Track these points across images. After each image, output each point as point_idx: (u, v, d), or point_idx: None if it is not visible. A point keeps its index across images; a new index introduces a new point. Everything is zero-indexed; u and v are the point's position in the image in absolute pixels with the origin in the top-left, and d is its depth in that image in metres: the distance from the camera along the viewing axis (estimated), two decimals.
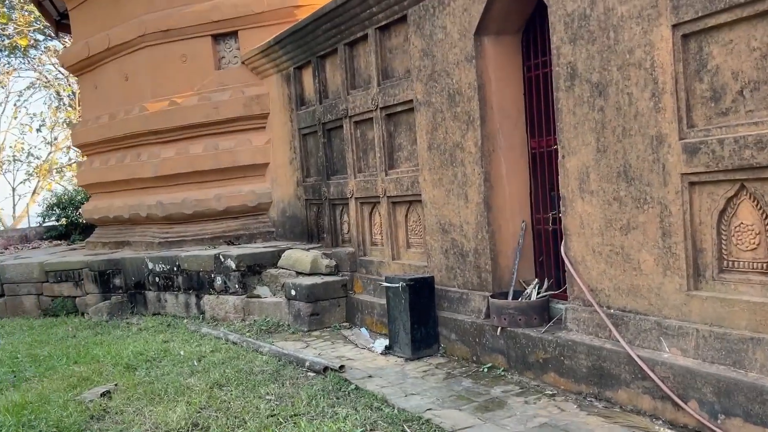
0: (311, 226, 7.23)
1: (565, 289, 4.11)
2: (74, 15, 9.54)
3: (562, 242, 4.05)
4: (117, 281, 7.96)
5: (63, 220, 17.00)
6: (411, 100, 5.33)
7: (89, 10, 9.16)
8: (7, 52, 20.98)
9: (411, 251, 5.65)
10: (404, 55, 5.47)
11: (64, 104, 23.11)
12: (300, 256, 6.45)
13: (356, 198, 6.23)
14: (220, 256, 6.84)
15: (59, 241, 16.34)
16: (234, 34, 8.02)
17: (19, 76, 21.65)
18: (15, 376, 5.18)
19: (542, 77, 4.53)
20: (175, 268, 7.31)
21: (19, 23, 19.16)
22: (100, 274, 8.01)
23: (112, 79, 8.91)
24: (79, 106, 22.01)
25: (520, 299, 4.39)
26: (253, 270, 6.73)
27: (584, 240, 3.83)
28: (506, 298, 4.46)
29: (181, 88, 8.18)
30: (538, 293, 4.40)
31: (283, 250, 6.86)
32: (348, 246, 6.51)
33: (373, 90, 5.78)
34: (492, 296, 4.53)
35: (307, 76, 7.01)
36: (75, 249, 10.05)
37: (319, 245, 6.96)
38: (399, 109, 5.55)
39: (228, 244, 7.94)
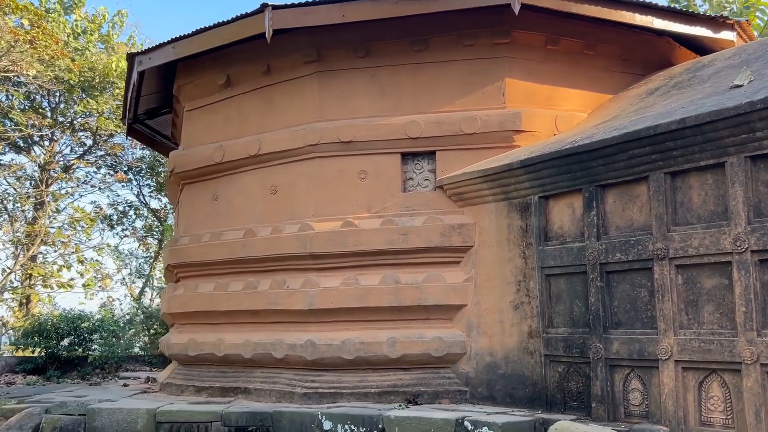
0: (551, 390, 5.44)
1: None
2: (194, 116, 7.79)
3: None
4: None
5: (41, 351, 13.99)
6: None
7: (222, 112, 7.46)
8: None
9: None
10: None
11: (6, 220, 20.23)
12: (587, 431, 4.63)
13: (676, 361, 4.59)
14: (466, 423, 4.89)
15: (34, 376, 13.36)
16: (430, 155, 6.51)
17: None
18: None
19: None
20: None
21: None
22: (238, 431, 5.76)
23: (250, 191, 7.07)
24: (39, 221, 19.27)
25: None
26: None
27: None
28: None
29: (356, 209, 6.48)
30: None
31: (544, 422, 5.01)
32: (644, 422, 4.77)
33: (735, 228, 4.36)
34: None
35: (561, 206, 5.53)
36: (146, 392, 7.59)
37: (571, 416, 5.18)
38: None
39: (409, 403, 5.94)
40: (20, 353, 15.13)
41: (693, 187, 4.70)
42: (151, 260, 22.83)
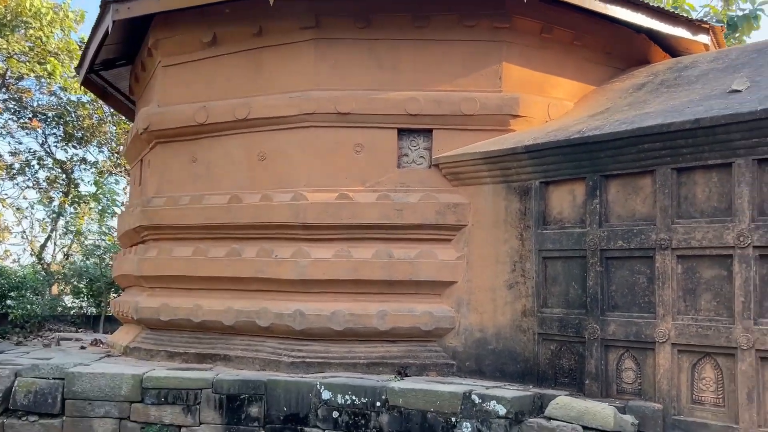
0: (542, 366, 5.73)
1: None
2: (172, 73, 7.44)
3: None
4: (254, 411, 5.74)
5: None
6: None
7: (205, 71, 7.20)
8: None
9: None
10: None
11: None
12: (589, 407, 4.94)
13: (673, 344, 4.96)
14: (474, 396, 5.08)
15: None
16: (426, 132, 6.57)
17: None
18: None
19: None
20: (377, 403, 5.36)
21: None
22: (230, 399, 5.74)
23: (235, 156, 6.90)
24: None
25: None
26: (517, 418, 5.05)
27: None
28: None
29: (350, 182, 6.48)
30: None
31: (541, 397, 5.29)
32: (637, 399, 5.14)
33: (739, 225, 4.74)
34: None
35: (562, 192, 5.78)
36: (110, 356, 7.32)
37: (563, 391, 5.49)
38: None
39: (399, 374, 6.08)
40: None
41: (698, 184, 5.03)
42: (54, 215, 21.67)
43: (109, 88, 9.85)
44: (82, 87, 9.49)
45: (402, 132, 6.58)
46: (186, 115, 7.08)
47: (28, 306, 13.30)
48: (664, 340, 5.01)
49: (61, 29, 18.33)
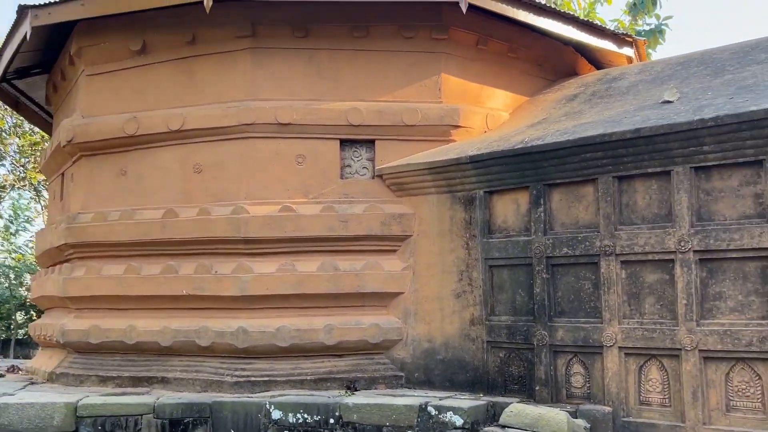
0: (492, 374, 5.77)
1: None
2: (97, 82, 7.07)
3: None
4: None
5: None
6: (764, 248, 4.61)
7: (133, 81, 6.89)
8: None
9: (734, 416, 4.69)
10: (738, 199, 4.79)
11: None
12: (543, 413, 5.00)
13: (620, 347, 5.10)
14: (430, 408, 5.04)
15: None
16: (369, 143, 6.52)
17: None
18: None
19: None
20: (331, 420, 5.23)
21: None
22: (172, 424, 5.49)
23: (168, 168, 6.63)
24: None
25: None
26: (473, 428, 5.04)
27: None
28: None
29: (292, 194, 6.35)
30: None
31: (493, 405, 5.32)
32: (587, 403, 5.25)
33: (679, 230, 4.93)
34: None
35: (506, 201, 5.85)
36: (34, 383, 6.83)
37: (513, 398, 5.53)
38: (731, 255, 4.76)
39: (348, 389, 5.97)
40: None
41: (638, 191, 5.20)
42: None
43: (22, 97, 9.29)
44: None
45: (344, 143, 6.50)
46: (114, 126, 6.74)
47: None
48: (612, 344, 5.14)
49: None
